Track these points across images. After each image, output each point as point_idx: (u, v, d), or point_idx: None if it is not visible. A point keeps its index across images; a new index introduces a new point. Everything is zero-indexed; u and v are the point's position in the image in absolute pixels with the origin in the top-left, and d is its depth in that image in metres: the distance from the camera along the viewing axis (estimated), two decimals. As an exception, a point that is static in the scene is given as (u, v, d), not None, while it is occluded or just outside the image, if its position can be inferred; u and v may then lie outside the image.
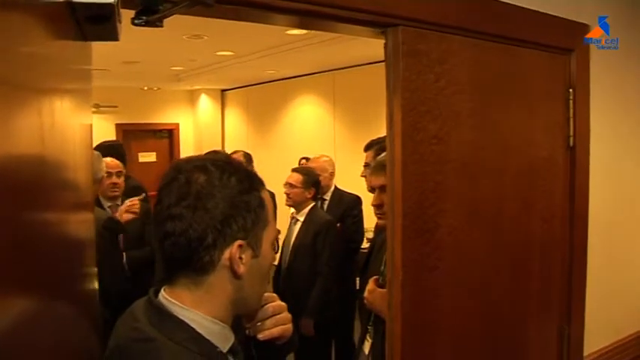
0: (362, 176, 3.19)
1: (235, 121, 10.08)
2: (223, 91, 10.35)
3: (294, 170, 3.79)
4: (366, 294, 2.09)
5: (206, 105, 10.36)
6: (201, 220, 0.92)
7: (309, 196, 3.61)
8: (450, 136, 1.73)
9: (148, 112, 10.11)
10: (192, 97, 10.53)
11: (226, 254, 0.94)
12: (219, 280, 0.96)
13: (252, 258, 0.98)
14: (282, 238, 3.95)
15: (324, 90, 7.73)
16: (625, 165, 2.51)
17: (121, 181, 3.36)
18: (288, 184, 3.62)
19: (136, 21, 1.28)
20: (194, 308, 0.95)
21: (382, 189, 2.00)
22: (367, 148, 3.20)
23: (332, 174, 4.40)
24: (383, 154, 1.98)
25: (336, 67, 7.25)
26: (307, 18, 1.51)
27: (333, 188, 4.32)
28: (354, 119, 7.09)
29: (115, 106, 9.09)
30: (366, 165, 3.10)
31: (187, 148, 10.29)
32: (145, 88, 9.90)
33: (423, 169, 1.66)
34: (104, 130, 9.25)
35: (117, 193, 3.36)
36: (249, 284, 0.99)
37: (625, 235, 2.54)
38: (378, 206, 2.08)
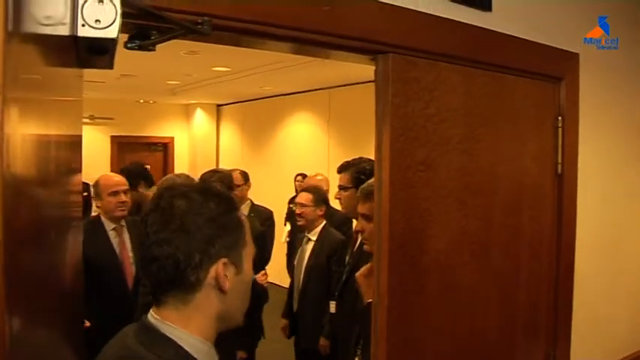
0: (336, 198, 2.99)
1: (230, 136, 10.09)
2: (219, 106, 10.37)
3: (302, 190, 3.89)
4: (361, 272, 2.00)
5: (201, 119, 10.36)
6: (187, 242, 0.98)
7: (320, 213, 3.64)
8: (439, 162, 1.75)
9: (143, 125, 10.11)
10: (187, 112, 10.54)
11: (212, 272, 1.00)
12: (206, 296, 1.01)
13: (235, 275, 1.04)
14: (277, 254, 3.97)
15: (319, 107, 7.77)
16: (613, 192, 2.53)
17: (128, 198, 3.09)
18: (299, 204, 3.67)
19: (128, 45, 1.30)
20: (182, 327, 1.00)
21: (364, 217, 2.00)
22: (342, 169, 2.85)
23: (326, 192, 4.48)
24: (370, 181, 1.96)
25: (332, 86, 7.31)
26: (300, 45, 1.53)
27: None
28: (348, 137, 7.12)
29: (111, 118, 9.13)
30: (341, 187, 2.82)
31: (182, 162, 10.27)
32: (141, 101, 9.91)
33: (411, 194, 1.68)
34: (99, 141, 9.27)
35: (124, 213, 3.07)
36: (233, 299, 1.05)
37: (612, 263, 2.55)
38: (361, 232, 2.09)
